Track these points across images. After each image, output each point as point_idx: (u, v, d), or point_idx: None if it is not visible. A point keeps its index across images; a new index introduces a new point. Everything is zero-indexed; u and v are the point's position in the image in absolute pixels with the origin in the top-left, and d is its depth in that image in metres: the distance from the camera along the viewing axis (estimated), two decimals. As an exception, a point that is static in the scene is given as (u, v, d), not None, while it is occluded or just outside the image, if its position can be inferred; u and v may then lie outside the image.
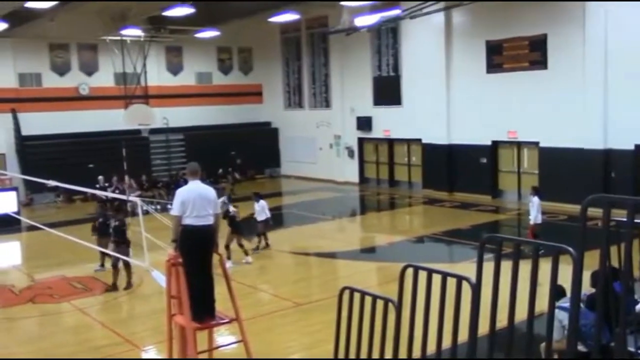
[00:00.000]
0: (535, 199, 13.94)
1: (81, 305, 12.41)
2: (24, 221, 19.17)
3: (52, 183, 17.22)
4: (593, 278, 6.39)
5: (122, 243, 12.91)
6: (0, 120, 26.12)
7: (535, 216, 13.82)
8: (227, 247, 14.41)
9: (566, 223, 15.53)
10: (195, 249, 7.54)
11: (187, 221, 7.47)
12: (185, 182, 8.28)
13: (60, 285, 13.68)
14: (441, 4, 20.90)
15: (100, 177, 23.25)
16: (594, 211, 3.34)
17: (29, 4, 18.85)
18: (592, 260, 3.48)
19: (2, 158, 25.93)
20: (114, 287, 12.99)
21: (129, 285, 13.02)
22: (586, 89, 19.21)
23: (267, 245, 16.29)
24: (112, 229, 13.28)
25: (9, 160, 26.22)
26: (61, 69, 27.60)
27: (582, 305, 5.09)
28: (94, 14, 25.11)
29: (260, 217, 16.05)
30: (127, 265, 12.83)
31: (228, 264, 13.31)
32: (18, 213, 20.11)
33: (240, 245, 14.77)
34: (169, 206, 14.67)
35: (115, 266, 13.01)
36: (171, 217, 7.64)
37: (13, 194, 21.09)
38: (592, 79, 19.00)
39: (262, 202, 16.23)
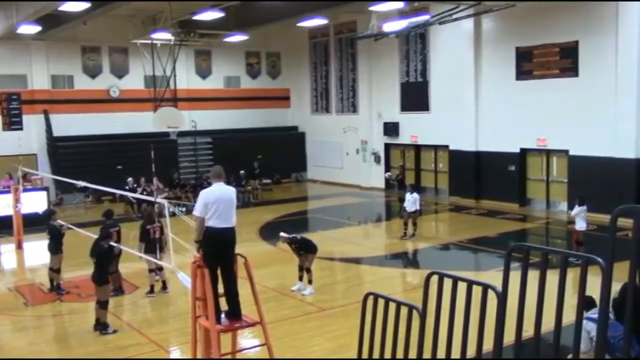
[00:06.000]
0: (582, 207, 14.37)
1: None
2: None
3: (81, 183, 17.45)
4: (622, 292, 6.18)
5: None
6: (32, 121, 26.62)
7: (580, 223, 14.37)
8: (303, 269, 12.94)
9: (596, 233, 15.26)
10: (217, 251, 7.61)
11: (210, 223, 7.53)
12: (209, 185, 8.34)
13: (88, 285, 13.81)
14: (470, 10, 20.79)
15: (130, 179, 23.53)
16: (625, 222, 3.28)
17: (62, 7, 19.19)
18: (621, 272, 3.41)
19: (33, 158, 26.39)
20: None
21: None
22: (618, 97, 18.91)
23: (414, 234, 17.91)
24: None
25: (40, 160, 26.72)
26: (93, 72, 28.06)
27: (611, 316, 5.00)
28: (125, 18, 25.53)
29: (410, 208, 17.69)
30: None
31: (308, 290, 12.83)
32: (48, 212, 20.47)
33: (308, 270, 12.91)
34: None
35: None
36: (194, 218, 7.71)
37: (44, 193, 21.45)
38: (625, 87, 18.70)
39: (416, 195, 17.94)
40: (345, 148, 30.14)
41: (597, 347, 3.56)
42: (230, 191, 7.86)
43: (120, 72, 28.60)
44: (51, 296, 13.28)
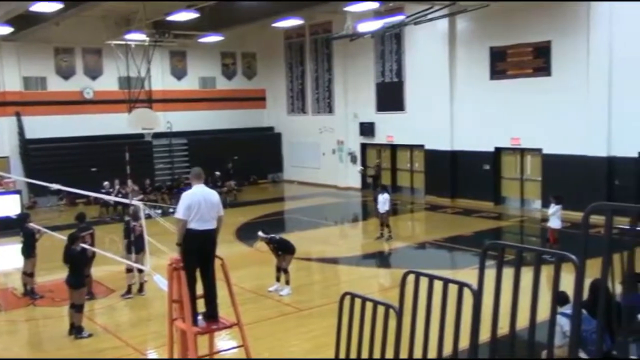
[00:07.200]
0: (559, 206, 14.66)
1: (83, 308, 12.40)
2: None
3: (55, 186, 17.22)
4: (591, 288, 6.29)
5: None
6: (4, 124, 26.21)
7: (555, 222, 14.69)
8: (280, 269, 12.91)
9: (569, 230, 15.47)
10: (198, 253, 7.57)
11: (191, 225, 7.48)
12: (189, 186, 8.30)
13: (62, 289, 13.62)
14: (445, 10, 20.93)
15: (106, 183, 23.18)
16: (597, 219, 3.33)
17: (34, 8, 18.92)
18: (595, 269, 3.47)
19: (6, 161, 26.00)
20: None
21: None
22: (590, 96, 19.20)
23: (390, 236, 17.72)
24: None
25: (12, 163, 26.31)
26: (66, 73, 27.70)
27: (584, 311, 5.08)
28: (98, 19, 25.24)
29: (382, 209, 17.62)
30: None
31: (285, 291, 12.75)
32: (21, 216, 20.15)
33: (285, 271, 12.90)
34: (171, 210, 14.65)
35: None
36: (176, 220, 7.64)
37: (17, 196, 21.14)
38: (596, 86, 18.99)
39: (386, 195, 17.81)
40: (321, 148, 30.15)
41: (571, 341, 3.61)
42: (213, 194, 7.83)
43: (94, 73, 28.27)
44: (25, 301, 13.08)
